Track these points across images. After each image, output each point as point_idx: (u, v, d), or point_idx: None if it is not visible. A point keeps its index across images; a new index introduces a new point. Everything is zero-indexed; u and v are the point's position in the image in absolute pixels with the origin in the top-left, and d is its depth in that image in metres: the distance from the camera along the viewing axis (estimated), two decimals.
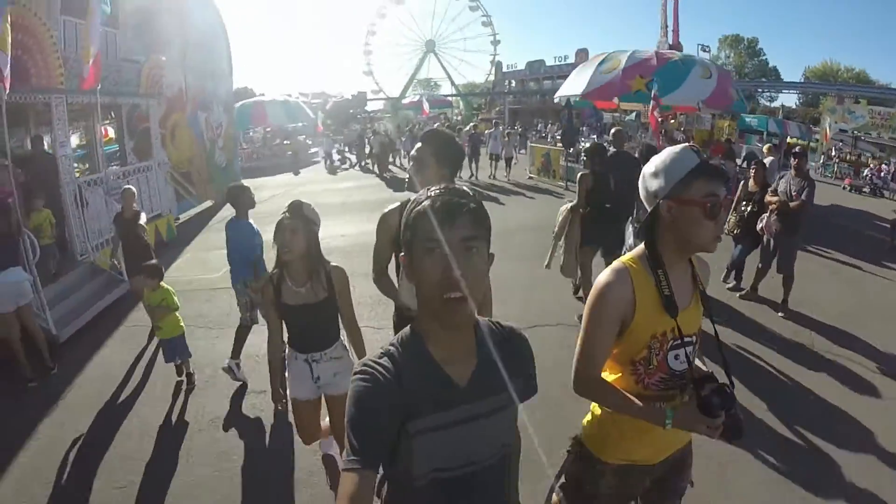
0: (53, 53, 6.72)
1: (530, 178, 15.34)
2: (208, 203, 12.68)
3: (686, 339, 1.50)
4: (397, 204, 2.31)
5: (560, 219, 5.21)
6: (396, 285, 2.44)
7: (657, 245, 1.50)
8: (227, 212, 4.74)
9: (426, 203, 1.01)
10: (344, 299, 2.54)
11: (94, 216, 7.36)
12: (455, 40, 57.88)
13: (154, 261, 4.62)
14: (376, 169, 18.22)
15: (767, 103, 43.50)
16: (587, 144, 11.41)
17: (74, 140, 9.11)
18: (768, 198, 5.31)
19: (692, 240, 1.45)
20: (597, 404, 1.66)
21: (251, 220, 4.19)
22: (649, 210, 1.51)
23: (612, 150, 5.60)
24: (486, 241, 1.03)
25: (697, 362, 1.60)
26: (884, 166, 17.53)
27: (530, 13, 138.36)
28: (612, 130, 6.11)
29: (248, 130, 25.56)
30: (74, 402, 4.16)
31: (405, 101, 47.71)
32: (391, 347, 1.09)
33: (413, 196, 1.09)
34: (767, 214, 5.34)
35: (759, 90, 41.38)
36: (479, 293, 1.01)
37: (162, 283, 4.26)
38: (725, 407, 1.39)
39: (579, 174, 5.17)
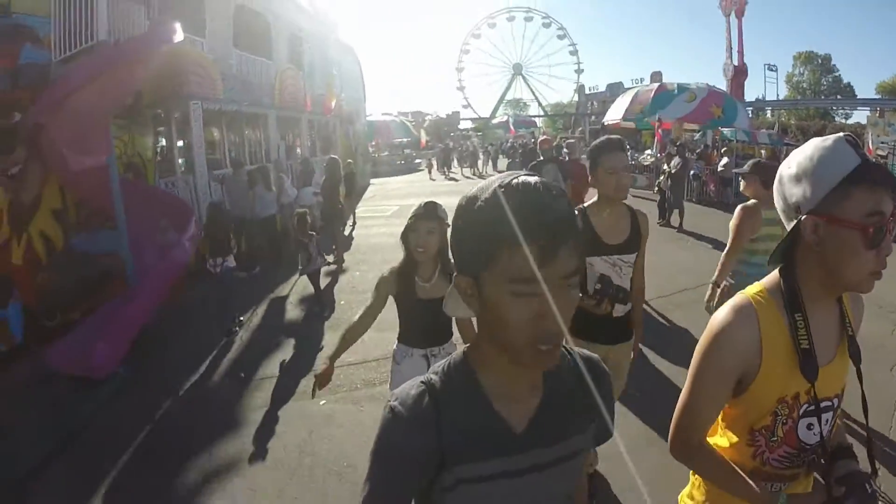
0: (309, 92, 13.05)
1: None
2: None
3: (824, 405, 1.09)
4: None
5: None
6: None
7: (796, 277, 1.10)
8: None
9: (516, 222, 0.68)
10: None
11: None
12: (541, 65, 62.58)
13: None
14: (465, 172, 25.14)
15: (843, 120, 43.74)
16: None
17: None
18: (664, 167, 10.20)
19: (843, 273, 1.02)
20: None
21: None
22: (788, 228, 1.10)
23: (540, 157, 6.84)
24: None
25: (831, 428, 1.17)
26: None
27: (610, 37, 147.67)
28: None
29: None
30: None
31: (494, 120, 53.13)
32: (433, 376, 0.85)
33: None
34: (663, 179, 10.22)
35: (833, 108, 42.00)
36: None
37: None
38: None
39: None
